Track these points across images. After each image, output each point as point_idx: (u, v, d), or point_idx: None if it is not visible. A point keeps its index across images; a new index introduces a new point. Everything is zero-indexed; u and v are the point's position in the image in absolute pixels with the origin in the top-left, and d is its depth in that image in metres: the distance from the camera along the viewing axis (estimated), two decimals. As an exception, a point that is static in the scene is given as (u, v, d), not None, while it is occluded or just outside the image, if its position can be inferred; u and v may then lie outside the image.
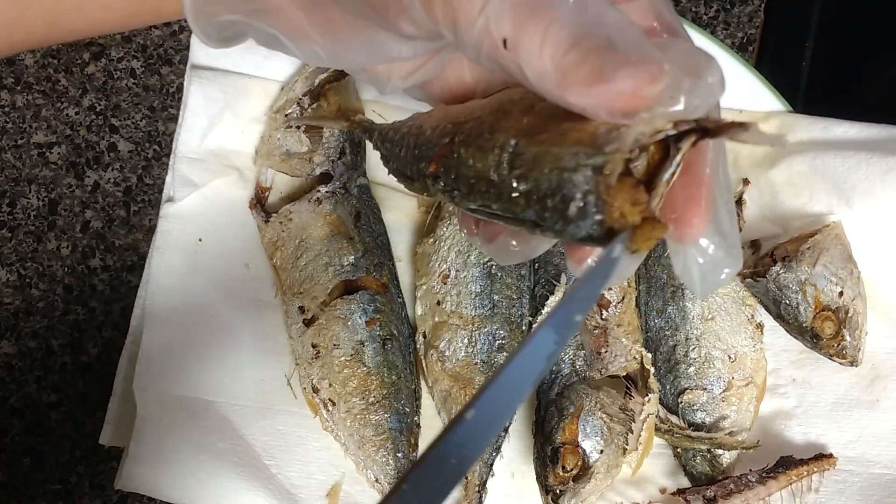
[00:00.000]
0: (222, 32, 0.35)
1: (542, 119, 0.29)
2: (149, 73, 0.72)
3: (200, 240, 0.66)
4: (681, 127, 0.26)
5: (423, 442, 0.64)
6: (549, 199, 0.28)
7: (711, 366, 0.64)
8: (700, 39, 0.64)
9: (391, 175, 0.39)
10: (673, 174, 0.27)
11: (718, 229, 0.30)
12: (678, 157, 0.27)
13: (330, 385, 0.63)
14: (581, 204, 0.27)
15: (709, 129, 0.26)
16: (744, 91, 0.66)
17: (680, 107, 0.26)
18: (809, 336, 0.62)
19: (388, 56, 0.34)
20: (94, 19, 0.35)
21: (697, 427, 0.64)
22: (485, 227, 0.35)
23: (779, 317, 0.64)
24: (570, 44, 0.26)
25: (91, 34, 0.37)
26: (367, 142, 0.46)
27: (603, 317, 0.63)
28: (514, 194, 0.29)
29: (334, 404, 0.63)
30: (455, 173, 0.32)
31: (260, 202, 0.66)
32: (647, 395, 0.61)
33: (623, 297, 0.63)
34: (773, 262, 0.63)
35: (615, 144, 0.26)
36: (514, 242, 0.34)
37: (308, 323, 0.63)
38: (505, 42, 0.27)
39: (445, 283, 0.64)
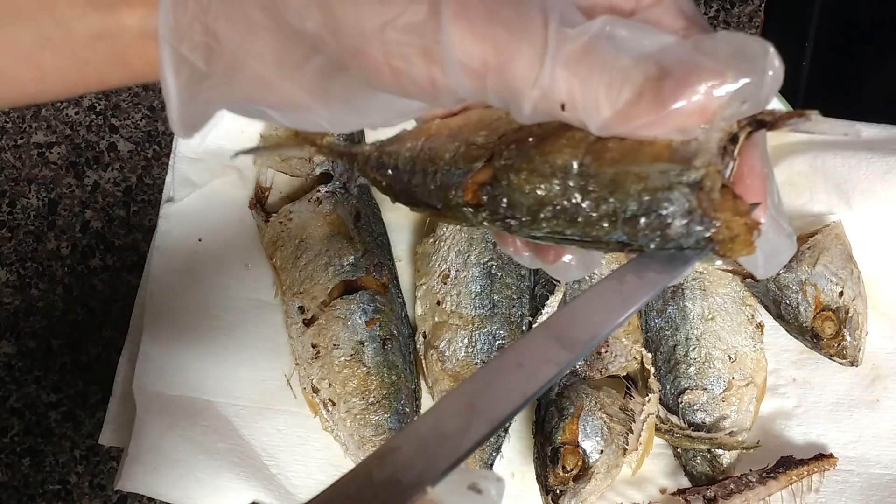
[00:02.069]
0: (204, 121, 0.33)
1: (595, 136, 0.28)
2: (149, 73, 0.71)
3: (200, 240, 0.66)
4: (742, 123, 0.26)
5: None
6: (642, 219, 0.27)
7: (712, 366, 0.64)
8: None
9: (398, 204, 0.37)
10: (732, 168, 0.27)
11: (773, 215, 0.30)
12: (735, 152, 0.27)
13: (330, 385, 0.62)
14: (685, 221, 0.26)
15: (766, 122, 0.26)
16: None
17: (747, 106, 0.26)
18: (810, 336, 0.62)
19: (410, 114, 0.32)
20: (29, 93, 0.32)
21: (698, 427, 0.63)
22: (540, 249, 0.34)
23: (779, 317, 0.64)
24: (620, 82, 0.26)
25: (26, 103, 0.35)
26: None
27: (603, 317, 0.62)
28: (595, 217, 0.28)
29: (334, 404, 0.63)
30: (508, 201, 0.30)
31: (260, 202, 0.66)
32: (648, 395, 0.61)
33: (623, 297, 0.63)
34: (773, 261, 0.62)
35: (704, 157, 0.26)
36: (570, 257, 0.33)
37: (308, 323, 0.63)
38: (563, 106, 0.27)
39: (445, 283, 0.64)
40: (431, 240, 0.65)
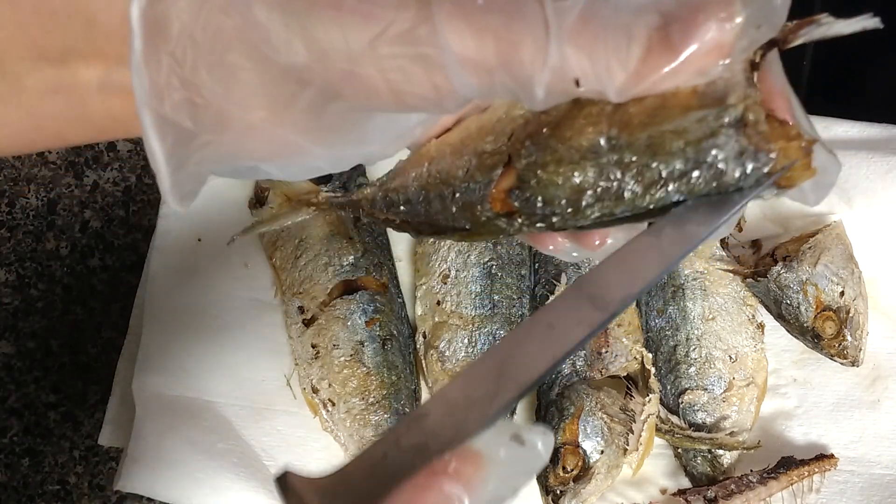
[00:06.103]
0: (198, 186, 0.31)
1: (612, 105, 0.27)
2: (148, 72, 0.71)
3: (199, 240, 0.65)
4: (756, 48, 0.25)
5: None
6: (694, 174, 0.26)
7: (712, 366, 0.63)
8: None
9: (417, 236, 0.35)
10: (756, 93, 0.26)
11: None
12: (755, 77, 0.25)
13: (329, 385, 0.62)
14: (740, 162, 0.25)
15: (777, 40, 0.25)
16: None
17: (763, 30, 0.25)
18: (810, 336, 0.62)
19: (410, 131, 0.31)
20: None
21: (698, 427, 0.63)
22: (581, 238, 0.31)
23: (780, 317, 0.64)
24: (626, 41, 0.24)
25: None
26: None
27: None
28: (643, 188, 0.27)
29: (334, 404, 0.62)
30: (543, 199, 0.28)
31: (259, 202, 0.66)
32: (648, 395, 0.61)
33: (623, 297, 0.63)
34: (774, 262, 0.62)
35: (737, 92, 0.25)
36: (612, 240, 0.31)
37: (308, 323, 0.63)
38: (577, 81, 0.25)
39: (445, 283, 0.64)
40: (431, 240, 0.65)
